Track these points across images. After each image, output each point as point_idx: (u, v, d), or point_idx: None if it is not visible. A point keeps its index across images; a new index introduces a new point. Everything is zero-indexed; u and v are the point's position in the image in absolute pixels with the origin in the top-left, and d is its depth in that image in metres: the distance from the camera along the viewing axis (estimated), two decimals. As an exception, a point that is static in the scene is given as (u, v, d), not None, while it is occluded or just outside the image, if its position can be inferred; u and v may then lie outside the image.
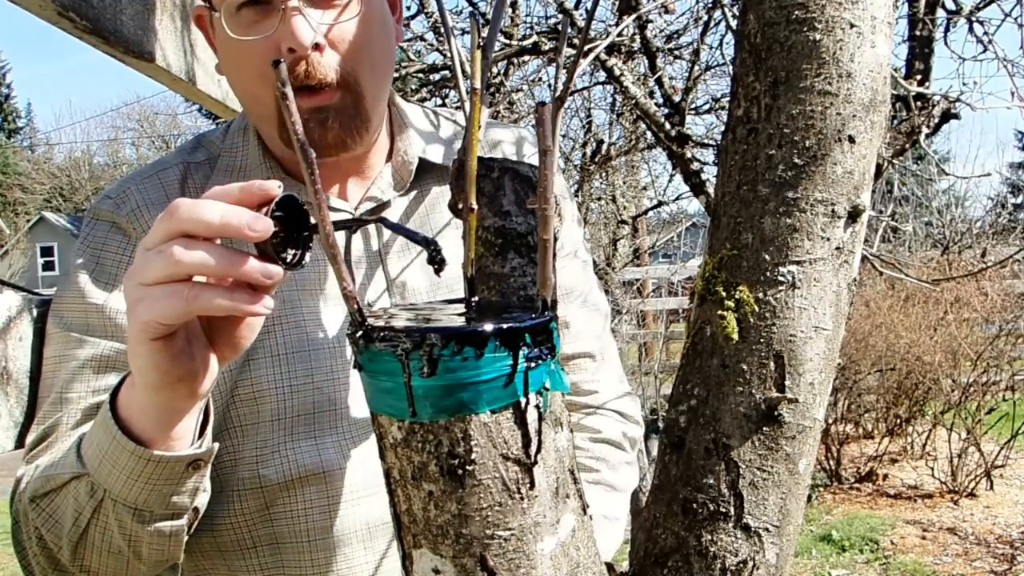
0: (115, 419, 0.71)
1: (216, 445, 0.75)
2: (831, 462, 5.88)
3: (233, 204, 0.62)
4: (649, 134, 5.54)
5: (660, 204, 7.93)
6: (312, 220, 0.65)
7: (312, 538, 0.91)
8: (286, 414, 0.90)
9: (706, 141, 3.49)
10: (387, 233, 0.99)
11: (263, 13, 0.86)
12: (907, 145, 2.47)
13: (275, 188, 0.63)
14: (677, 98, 3.49)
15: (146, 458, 0.70)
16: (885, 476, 5.93)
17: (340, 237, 0.95)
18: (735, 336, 0.66)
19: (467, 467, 0.54)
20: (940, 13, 2.52)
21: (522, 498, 0.56)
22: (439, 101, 4.81)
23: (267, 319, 0.90)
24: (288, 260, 0.64)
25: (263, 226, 0.61)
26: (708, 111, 4.97)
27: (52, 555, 0.80)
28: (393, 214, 1.00)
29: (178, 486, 0.73)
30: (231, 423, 0.91)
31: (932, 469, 5.61)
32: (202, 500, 0.79)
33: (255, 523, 0.91)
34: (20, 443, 0.93)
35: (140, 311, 0.63)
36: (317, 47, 0.86)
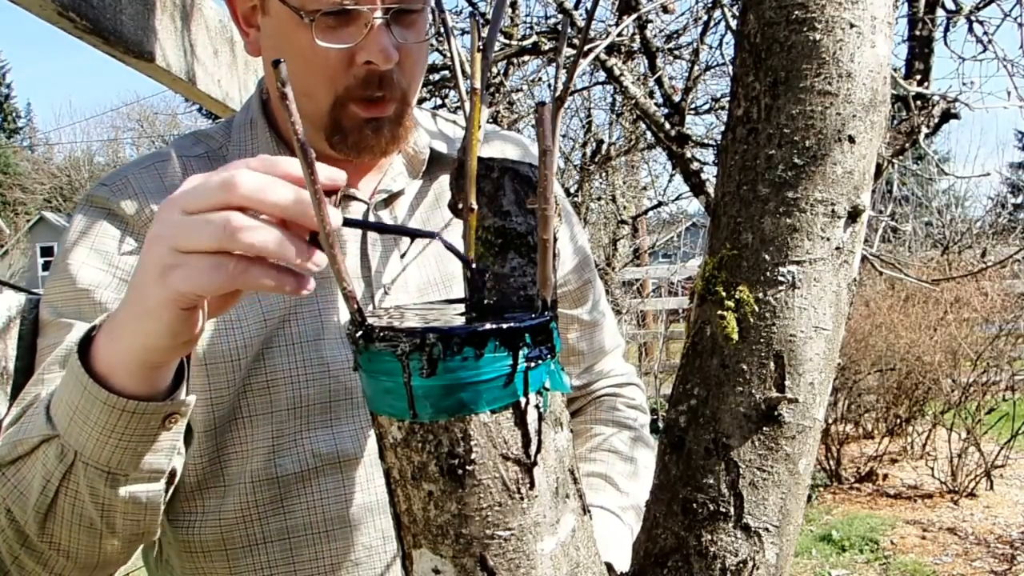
0: (88, 373, 0.67)
1: (193, 398, 0.72)
2: (831, 462, 5.88)
3: (296, 186, 0.60)
4: (649, 134, 5.54)
5: (660, 204, 7.93)
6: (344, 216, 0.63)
7: (329, 528, 0.91)
8: (302, 403, 0.90)
9: (706, 141, 3.49)
10: (401, 218, 1.01)
11: (341, 21, 0.86)
12: (907, 145, 2.47)
13: (344, 179, 0.61)
14: (677, 98, 3.49)
15: (120, 408, 0.67)
16: (885, 476, 5.93)
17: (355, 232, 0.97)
18: (735, 336, 0.66)
19: (467, 467, 0.54)
20: (940, 13, 2.52)
21: (522, 498, 0.56)
22: (439, 101, 4.81)
23: (284, 309, 0.91)
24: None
25: (336, 217, 0.58)
26: (708, 111, 4.97)
27: (20, 529, 0.75)
28: (405, 201, 1.02)
29: (153, 443, 0.70)
30: (241, 413, 0.90)
31: (932, 469, 5.61)
32: (178, 463, 0.76)
33: (267, 516, 0.91)
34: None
35: (176, 280, 0.60)
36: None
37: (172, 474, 0.75)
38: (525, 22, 4.38)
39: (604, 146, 6.86)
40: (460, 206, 0.70)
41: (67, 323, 0.87)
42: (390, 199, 1.00)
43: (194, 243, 0.60)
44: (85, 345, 0.69)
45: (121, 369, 0.67)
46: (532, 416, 0.56)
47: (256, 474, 0.90)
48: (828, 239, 0.66)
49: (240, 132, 0.99)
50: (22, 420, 0.78)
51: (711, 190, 2.92)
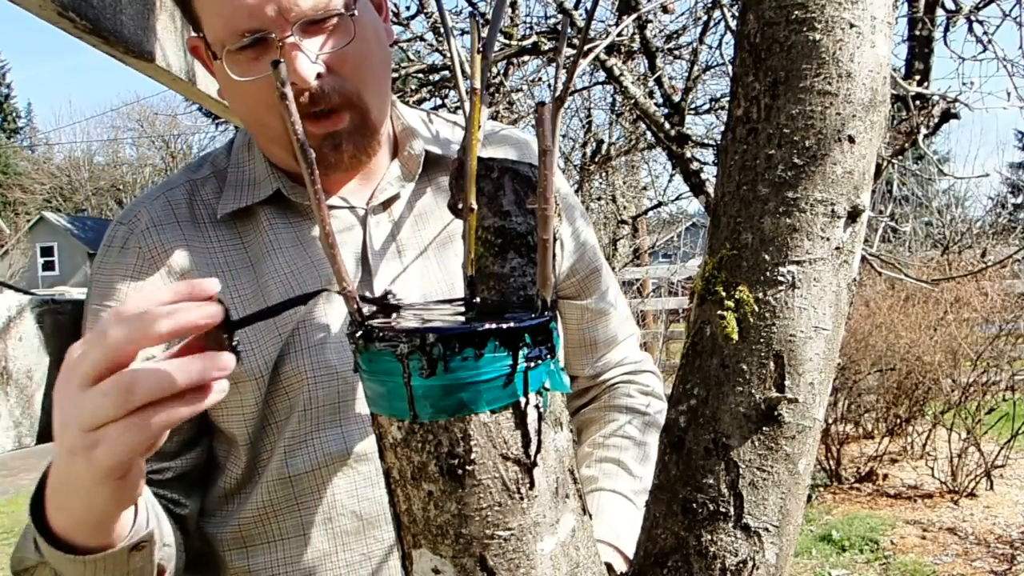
0: (47, 534, 0.69)
1: (154, 525, 0.75)
2: (831, 462, 5.88)
3: (167, 305, 0.58)
4: (649, 134, 5.54)
5: (660, 204, 7.93)
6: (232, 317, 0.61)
7: (342, 524, 0.93)
8: (313, 404, 0.92)
9: (706, 141, 3.49)
10: (400, 223, 1.02)
11: (261, 50, 0.86)
12: (907, 145, 2.47)
13: (215, 287, 0.59)
14: (677, 98, 3.49)
15: (83, 561, 0.69)
16: (885, 476, 5.93)
17: (355, 232, 0.98)
18: (735, 336, 0.66)
19: (467, 467, 0.54)
20: (940, 13, 2.52)
21: (522, 498, 0.56)
22: (439, 101, 4.81)
23: (295, 319, 0.93)
24: (235, 345, 0.60)
25: (215, 309, 0.57)
26: (708, 111, 4.98)
27: None
28: (401, 204, 1.02)
29: (129, 566, 0.73)
30: (267, 421, 0.93)
31: (932, 469, 5.61)
32: (166, 554, 0.80)
33: (283, 514, 0.93)
34: (20, 443, 0.94)
35: (101, 457, 0.59)
36: (318, 76, 0.86)
37: (161, 567, 0.79)
38: (525, 22, 4.37)
39: (604, 146, 6.86)
40: (460, 206, 0.70)
41: None
42: (386, 203, 1.01)
43: (100, 417, 0.58)
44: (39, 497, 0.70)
45: (77, 532, 0.69)
46: (532, 416, 0.56)
47: (271, 474, 0.93)
48: (828, 239, 0.66)
49: (238, 153, 1.01)
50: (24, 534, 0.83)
51: (711, 190, 2.93)
